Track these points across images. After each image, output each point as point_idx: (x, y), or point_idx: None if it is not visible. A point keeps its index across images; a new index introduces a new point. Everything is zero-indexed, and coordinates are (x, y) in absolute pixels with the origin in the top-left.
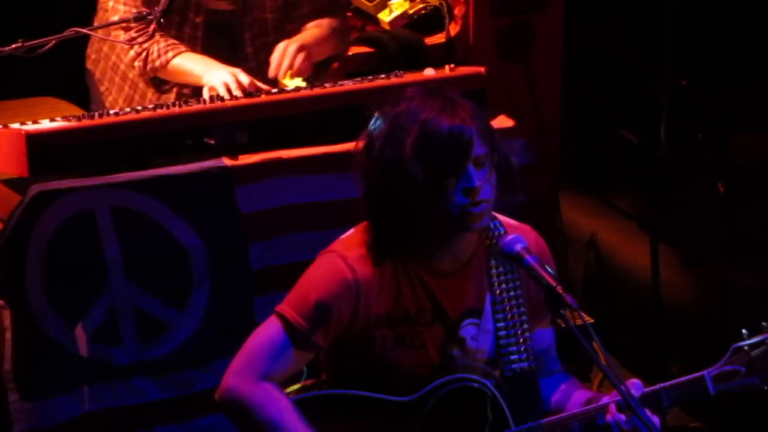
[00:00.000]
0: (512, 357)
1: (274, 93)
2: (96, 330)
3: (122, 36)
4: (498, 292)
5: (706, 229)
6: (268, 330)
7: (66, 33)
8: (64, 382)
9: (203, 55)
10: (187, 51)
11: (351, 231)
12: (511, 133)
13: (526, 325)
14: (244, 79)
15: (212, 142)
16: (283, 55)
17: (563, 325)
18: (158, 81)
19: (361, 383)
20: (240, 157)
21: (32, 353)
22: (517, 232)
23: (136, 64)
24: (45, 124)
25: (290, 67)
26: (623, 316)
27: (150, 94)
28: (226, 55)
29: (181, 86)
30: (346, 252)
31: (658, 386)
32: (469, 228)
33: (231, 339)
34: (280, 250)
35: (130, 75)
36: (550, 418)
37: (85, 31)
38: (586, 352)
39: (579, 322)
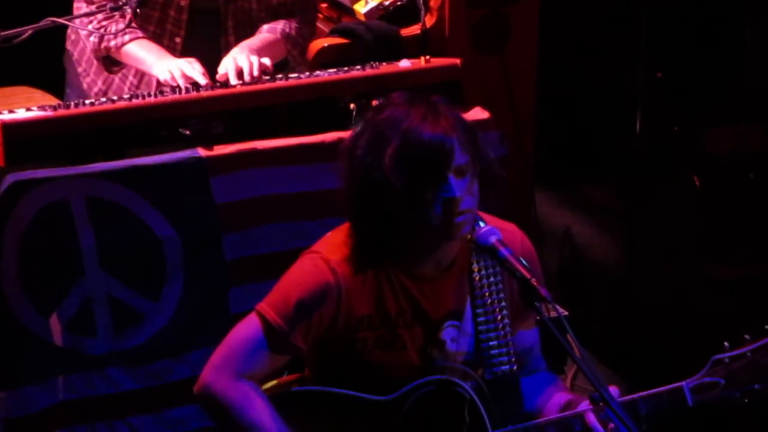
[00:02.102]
0: (493, 360)
1: (250, 83)
2: (70, 320)
3: (84, 8)
4: (479, 294)
5: (680, 221)
6: (248, 328)
7: (42, 23)
8: (39, 371)
9: (185, 41)
10: (144, 38)
11: (333, 231)
12: (487, 125)
13: (508, 328)
14: (198, 67)
15: (187, 132)
16: (234, 61)
17: (538, 318)
18: (110, 61)
19: (342, 382)
20: (215, 147)
21: (6, 343)
22: (502, 232)
23: (92, 39)
24: (21, 114)
25: (240, 71)
26: (598, 308)
27: (131, 77)
28: (208, 42)
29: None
30: (330, 255)
31: (635, 395)
32: (451, 237)
33: (205, 330)
34: (254, 240)
35: None
36: (526, 423)
37: (61, 21)
38: (561, 344)
39: (553, 314)
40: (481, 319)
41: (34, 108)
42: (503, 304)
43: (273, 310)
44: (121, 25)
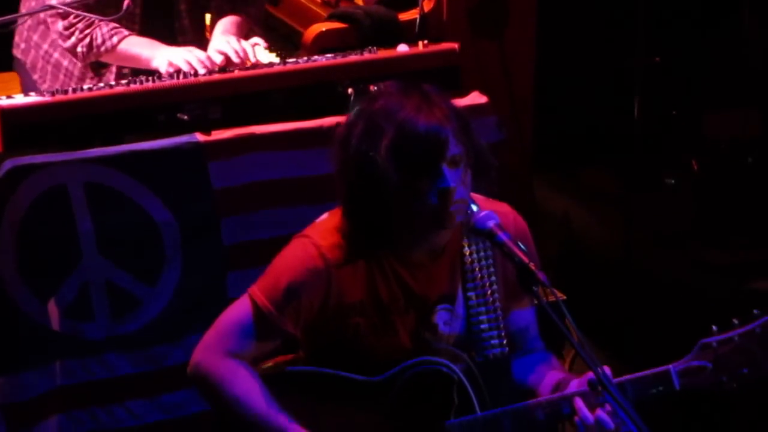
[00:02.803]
0: (484, 342)
1: (248, 68)
2: (68, 305)
3: (60, 24)
4: (470, 276)
5: (679, 206)
6: (239, 310)
7: (40, 9)
8: (37, 356)
9: (141, 30)
10: (130, 34)
11: (326, 215)
12: (484, 109)
13: (499, 311)
14: (201, 54)
15: (185, 117)
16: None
17: (536, 302)
18: (96, 64)
19: (335, 364)
20: (213, 132)
21: (4, 328)
22: (495, 212)
23: (79, 49)
24: (19, 99)
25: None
26: (595, 293)
27: (88, 79)
28: (163, 29)
29: (120, 66)
30: (320, 240)
31: (623, 378)
32: (445, 227)
33: (202, 314)
34: (252, 225)
35: (64, 63)
36: (514, 405)
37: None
38: (559, 329)
39: (551, 299)
40: (473, 302)
41: (32, 93)
42: (495, 286)
43: (263, 294)
44: (105, 29)
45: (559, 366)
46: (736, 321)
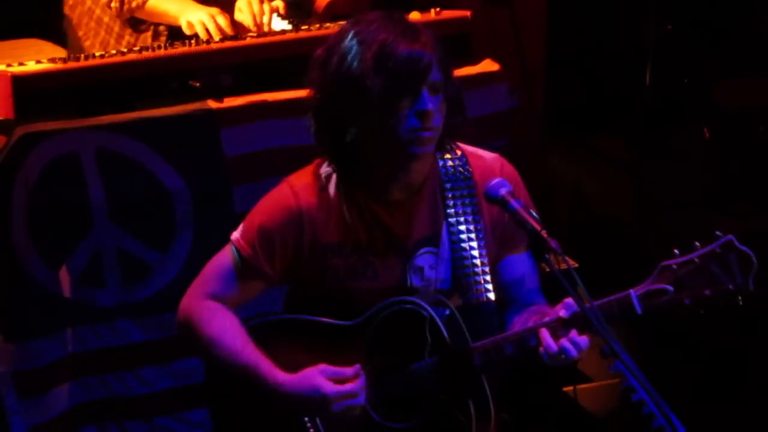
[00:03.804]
0: (470, 287)
1: (260, 36)
2: (80, 272)
3: None
4: (454, 220)
5: (690, 173)
6: (220, 255)
7: None
8: (48, 323)
9: None
10: None
11: (309, 165)
12: (497, 77)
13: (485, 257)
14: (222, 20)
15: (197, 84)
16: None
17: (548, 270)
18: (135, 21)
19: (315, 309)
20: (225, 99)
21: (16, 295)
22: (483, 162)
23: (113, 5)
24: (31, 66)
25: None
26: (607, 260)
27: (127, 36)
28: None
29: (157, 24)
30: (295, 180)
31: (585, 306)
32: (413, 153)
33: None
34: (264, 193)
35: (105, 19)
36: (483, 341)
37: None
38: (571, 296)
39: (563, 266)
40: (457, 245)
41: (44, 60)
42: (481, 233)
43: (240, 236)
44: None
45: (547, 310)
46: (697, 244)
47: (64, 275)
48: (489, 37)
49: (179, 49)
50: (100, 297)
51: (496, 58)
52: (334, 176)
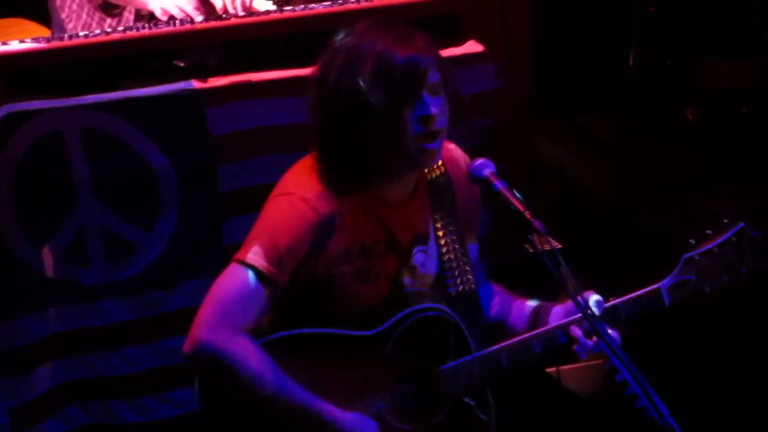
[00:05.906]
0: (456, 279)
1: (244, 16)
2: (64, 251)
3: None
4: (438, 216)
5: (674, 154)
6: (238, 280)
7: None
8: (31, 302)
9: None
10: None
11: (297, 168)
12: (481, 58)
13: (464, 248)
14: (186, 6)
15: (182, 64)
16: None
17: (531, 250)
18: (108, 5)
19: (310, 322)
20: (209, 79)
21: None
22: (449, 152)
23: None
24: (14, 45)
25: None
26: (590, 240)
27: (108, 20)
28: None
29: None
30: (305, 193)
31: (616, 301)
32: (423, 165)
33: (198, 261)
34: (249, 172)
35: (87, 2)
36: (510, 341)
37: None
38: (554, 277)
39: (547, 247)
40: (442, 240)
41: (28, 40)
42: (458, 225)
43: (262, 258)
44: None
45: (512, 294)
46: (709, 232)
47: (47, 254)
48: (475, 16)
49: (164, 29)
50: (84, 276)
51: (481, 40)
52: (338, 178)
